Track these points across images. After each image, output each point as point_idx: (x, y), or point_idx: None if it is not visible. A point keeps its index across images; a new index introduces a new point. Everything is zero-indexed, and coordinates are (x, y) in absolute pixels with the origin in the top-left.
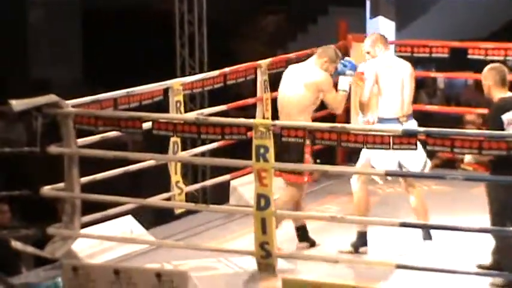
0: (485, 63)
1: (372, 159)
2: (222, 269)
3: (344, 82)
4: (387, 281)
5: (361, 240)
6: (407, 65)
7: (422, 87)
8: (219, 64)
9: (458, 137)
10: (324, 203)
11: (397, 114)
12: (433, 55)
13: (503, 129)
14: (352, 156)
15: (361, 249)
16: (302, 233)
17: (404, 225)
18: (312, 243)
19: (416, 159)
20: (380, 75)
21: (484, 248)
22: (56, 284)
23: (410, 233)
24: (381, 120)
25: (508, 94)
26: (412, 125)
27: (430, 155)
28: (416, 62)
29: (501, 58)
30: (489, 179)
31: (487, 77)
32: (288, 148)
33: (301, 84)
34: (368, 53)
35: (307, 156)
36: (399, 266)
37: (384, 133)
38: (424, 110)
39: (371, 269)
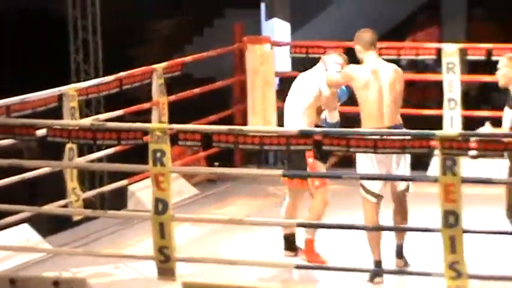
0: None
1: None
2: (121, 275)
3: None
4: (290, 282)
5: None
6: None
7: None
8: (115, 69)
9: (354, 136)
10: (222, 205)
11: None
12: None
13: None
14: (250, 158)
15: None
16: (290, 242)
17: (301, 225)
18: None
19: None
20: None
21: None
22: None
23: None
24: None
25: None
26: None
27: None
28: (311, 63)
29: (394, 58)
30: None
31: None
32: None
33: None
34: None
35: (311, 161)
36: (298, 267)
37: (281, 134)
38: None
39: (271, 270)
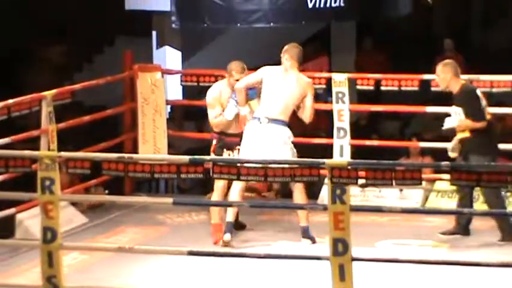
0: None
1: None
2: None
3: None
4: None
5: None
6: (294, 79)
7: None
8: (3, 96)
9: (244, 165)
10: (112, 234)
11: (259, 115)
12: None
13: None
14: (140, 186)
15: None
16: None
17: (192, 253)
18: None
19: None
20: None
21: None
22: None
23: (198, 261)
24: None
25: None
26: (275, 129)
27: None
28: (203, 92)
29: None
30: (272, 205)
31: (446, 70)
32: None
33: None
34: None
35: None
36: None
37: (171, 162)
38: None
39: None
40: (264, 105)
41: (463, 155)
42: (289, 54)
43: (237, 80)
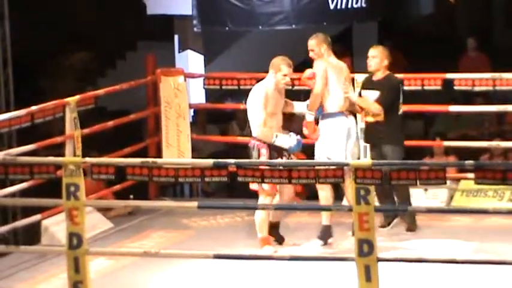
0: (292, 92)
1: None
2: None
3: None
4: None
5: (327, 233)
6: (345, 66)
7: (234, 119)
8: (28, 103)
9: (268, 167)
10: (137, 239)
11: (343, 108)
12: (242, 87)
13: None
14: (165, 190)
15: (329, 240)
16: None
17: (218, 257)
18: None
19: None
20: (328, 73)
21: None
22: None
23: (224, 265)
24: (329, 115)
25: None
26: (353, 120)
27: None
28: (226, 95)
29: (309, 89)
30: (297, 207)
31: (385, 56)
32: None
33: None
34: (312, 50)
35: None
36: None
37: (195, 166)
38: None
39: None
40: (340, 98)
41: (374, 142)
42: (326, 43)
43: (285, 75)
